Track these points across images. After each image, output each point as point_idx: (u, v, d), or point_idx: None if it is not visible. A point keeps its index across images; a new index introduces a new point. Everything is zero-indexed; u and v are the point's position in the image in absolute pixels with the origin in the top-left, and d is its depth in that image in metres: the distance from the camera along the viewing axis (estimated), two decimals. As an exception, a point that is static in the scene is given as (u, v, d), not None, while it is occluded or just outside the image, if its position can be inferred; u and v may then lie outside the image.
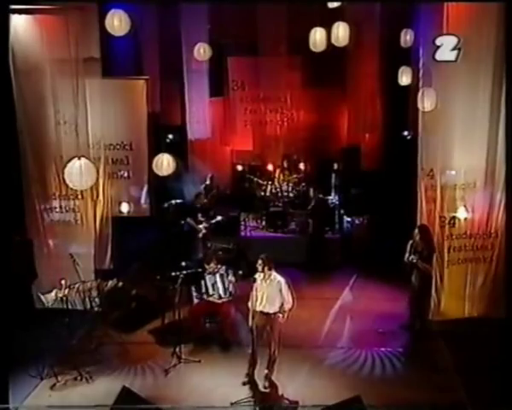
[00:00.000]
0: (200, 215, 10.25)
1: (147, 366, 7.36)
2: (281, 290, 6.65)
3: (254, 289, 6.72)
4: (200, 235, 10.11)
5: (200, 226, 10.16)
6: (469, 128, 8.03)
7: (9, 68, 7.78)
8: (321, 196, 11.39)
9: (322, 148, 13.84)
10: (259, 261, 6.71)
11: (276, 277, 6.71)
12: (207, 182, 12.48)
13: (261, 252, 6.92)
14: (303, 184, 12.67)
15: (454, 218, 8.17)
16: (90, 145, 8.60)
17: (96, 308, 8.09)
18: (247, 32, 13.15)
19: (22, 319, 7.60)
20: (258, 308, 6.70)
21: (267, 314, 6.70)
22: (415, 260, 7.80)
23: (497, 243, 8.20)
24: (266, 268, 6.67)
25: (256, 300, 6.69)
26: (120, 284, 8.28)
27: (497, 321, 7.61)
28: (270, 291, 6.66)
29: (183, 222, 10.44)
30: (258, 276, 6.75)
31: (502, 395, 6.03)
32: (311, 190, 11.33)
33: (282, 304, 6.67)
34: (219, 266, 8.09)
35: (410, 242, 7.94)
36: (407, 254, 7.90)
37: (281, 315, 6.71)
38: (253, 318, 6.77)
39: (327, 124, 14.07)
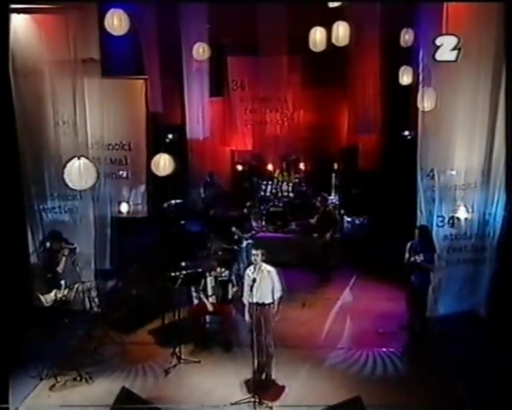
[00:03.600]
0: (249, 224, 10.42)
1: (147, 366, 7.35)
2: (272, 279, 6.71)
3: (247, 283, 6.74)
4: (244, 244, 10.04)
5: (246, 235, 10.23)
6: (469, 128, 8.02)
7: (9, 68, 7.76)
8: (328, 207, 10.52)
9: (322, 148, 13.86)
10: (258, 253, 6.70)
11: (266, 266, 6.75)
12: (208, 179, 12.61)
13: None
14: (303, 184, 12.68)
15: (454, 218, 8.16)
16: (89, 145, 8.59)
17: (95, 309, 8.09)
18: (247, 32, 13.16)
19: (22, 319, 7.58)
20: (254, 300, 6.67)
21: (262, 305, 6.71)
22: (419, 261, 7.74)
23: (497, 243, 8.18)
24: (260, 260, 6.71)
25: (251, 292, 6.64)
26: (120, 284, 8.28)
27: (496, 321, 7.61)
28: (263, 282, 6.67)
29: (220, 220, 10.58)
30: (249, 270, 6.78)
31: (502, 395, 6.03)
32: (318, 200, 10.58)
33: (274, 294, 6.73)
34: (223, 270, 8.07)
35: (410, 243, 7.92)
36: (407, 255, 7.87)
37: (273, 306, 6.75)
38: (249, 311, 6.78)
39: (327, 124, 14.10)
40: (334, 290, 9.77)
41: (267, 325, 6.76)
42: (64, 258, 7.78)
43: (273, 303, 6.76)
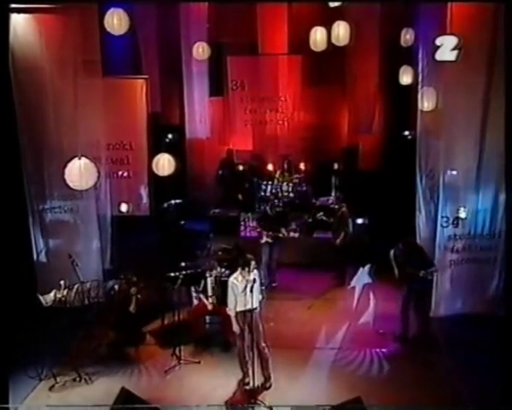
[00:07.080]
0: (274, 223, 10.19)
1: (146, 367, 7.35)
2: (259, 283, 6.65)
3: (233, 292, 6.53)
4: (263, 241, 10.00)
5: (269, 233, 10.06)
6: (469, 128, 8.01)
7: (9, 68, 7.75)
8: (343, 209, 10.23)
9: (322, 148, 13.83)
10: (254, 263, 6.60)
11: (254, 271, 6.66)
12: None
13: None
14: (303, 184, 12.67)
15: (454, 218, 8.15)
16: (90, 145, 8.58)
17: (95, 309, 8.07)
18: (247, 32, 13.17)
19: (22, 319, 7.58)
20: (241, 308, 6.57)
21: (250, 311, 6.55)
22: (430, 277, 7.64)
23: (498, 243, 8.18)
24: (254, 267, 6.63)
25: (238, 301, 6.54)
26: (120, 284, 8.26)
27: (497, 321, 7.60)
28: (255, 287, 6.52)
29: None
30: (235, 278, 6.59)
31: (502, 395, 6.03)
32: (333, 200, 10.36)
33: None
34: (223, 271, 8.04)
35: (392, 252, 7.81)
36: (396, 270, 7.76)
37: (259, 309, 6.69)
38: (236, 320, 6.65)
39: (327, 124, 14.07)
40: (334, 290, 9.76)
41: (259, 329, 6.67)
42: (134, 298, 7.79)
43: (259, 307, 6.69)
